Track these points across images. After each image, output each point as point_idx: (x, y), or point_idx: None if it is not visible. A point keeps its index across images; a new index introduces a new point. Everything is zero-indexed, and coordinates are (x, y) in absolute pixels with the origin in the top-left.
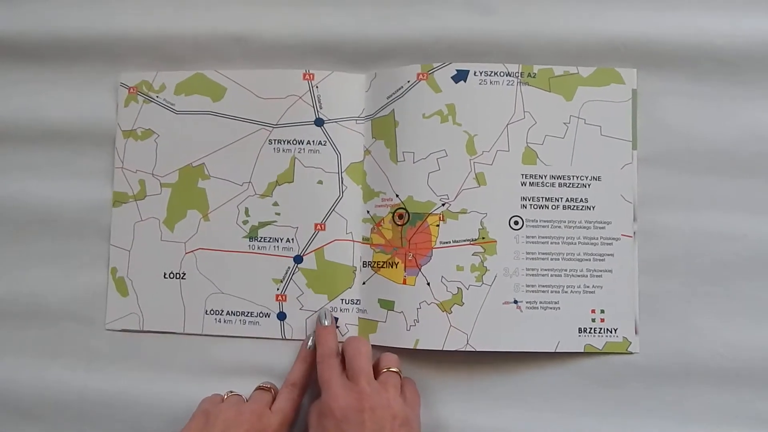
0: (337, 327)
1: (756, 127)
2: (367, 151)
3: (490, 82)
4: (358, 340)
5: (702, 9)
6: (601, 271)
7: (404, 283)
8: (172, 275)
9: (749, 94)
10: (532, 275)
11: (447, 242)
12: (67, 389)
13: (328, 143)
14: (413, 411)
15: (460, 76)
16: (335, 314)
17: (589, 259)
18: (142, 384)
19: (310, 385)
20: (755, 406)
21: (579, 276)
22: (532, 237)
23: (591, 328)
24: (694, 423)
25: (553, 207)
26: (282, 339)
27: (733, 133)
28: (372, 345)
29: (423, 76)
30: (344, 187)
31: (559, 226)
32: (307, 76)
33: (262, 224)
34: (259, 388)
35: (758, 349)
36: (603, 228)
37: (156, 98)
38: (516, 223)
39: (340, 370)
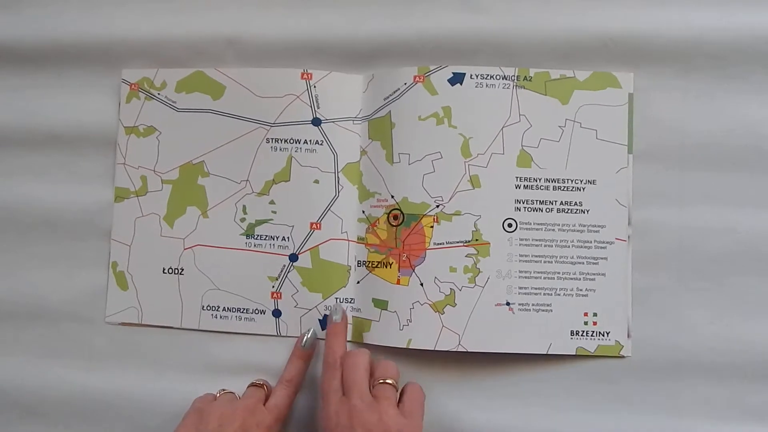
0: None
1: (747, 120)
2: (363, 152)
3: (486, 85)
4: (357, 354)
5: (692, 4)
6: (594, 274)
7: (398, 283)
8: (171, 270)
9: (740, 88)
10: (525, 277)
11: (441, 243)
12: (67, 387)
13: (325, 143)
14: (412, 421)
15: (457, 78)
16: (328, 313)
17: (583, 263)
18: (141, 381)
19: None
20: (747, 399)
21: (572, 279)
22: (526, 239)
23: (583, 331)
24: (687, 417)
25: (547, 210)
26: (277, 336)
27: (724, 127)
28: (365, 344)
29: (419, 79)
30: (340, 187)
31: (553, 229)
32: (305, 76)
33: (259, 222)
34: (252, 384)
35: (750, 343)
36: (597, 232)
37: (157, 95)
38: (510, 225)
39: (339, 383)
